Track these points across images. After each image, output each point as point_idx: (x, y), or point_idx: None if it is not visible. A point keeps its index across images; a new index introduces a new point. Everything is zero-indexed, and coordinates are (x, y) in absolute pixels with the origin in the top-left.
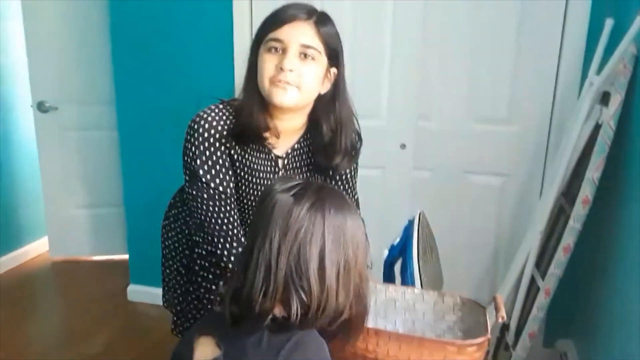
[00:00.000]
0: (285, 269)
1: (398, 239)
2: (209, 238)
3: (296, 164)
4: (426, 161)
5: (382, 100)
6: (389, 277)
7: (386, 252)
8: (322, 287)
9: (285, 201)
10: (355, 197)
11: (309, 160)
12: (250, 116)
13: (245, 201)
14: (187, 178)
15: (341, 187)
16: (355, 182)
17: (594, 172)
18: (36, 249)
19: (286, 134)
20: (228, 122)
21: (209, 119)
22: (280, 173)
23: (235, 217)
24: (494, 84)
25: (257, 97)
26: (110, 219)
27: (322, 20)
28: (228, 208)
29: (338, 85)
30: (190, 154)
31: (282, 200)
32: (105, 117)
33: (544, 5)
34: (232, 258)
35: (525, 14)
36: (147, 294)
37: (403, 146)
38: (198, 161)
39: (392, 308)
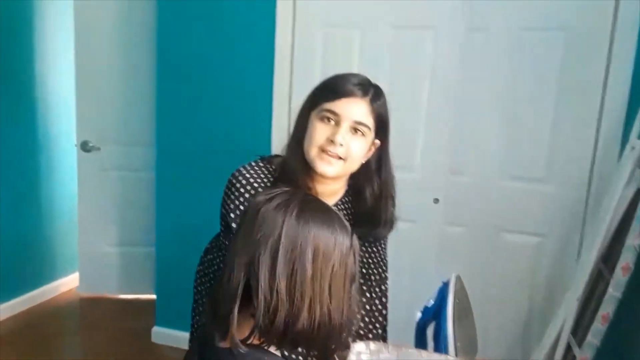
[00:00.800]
0: (243, 269)
1: (432, 301)
2: None
3: None
4: (459, 217)
5: (416, 154)
6: (420, 341)
7: (419, 315)
8: (271, 288)
9: (258, 201)
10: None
11: None
12: (294, 178)
13: None
14: (222, 228)
15: (375, 251)
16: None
17: (634, 238)
18: (67, 284)
19: (323, 195)
20: (265, 180)
21: (247, 175)
22: None
23: None
24: (532, 142)
25: (301, 159)
26: (141, 258)
27: (376, 96)
28: None
29: (384, 155)
30: (227, 207)
31: (256, 201)
32: (144, 158)
33: (585, 66)
34: None
35: (566, 74)
36: (170, 337)
37: (436, 200)
38: (232, 215)
39: None
